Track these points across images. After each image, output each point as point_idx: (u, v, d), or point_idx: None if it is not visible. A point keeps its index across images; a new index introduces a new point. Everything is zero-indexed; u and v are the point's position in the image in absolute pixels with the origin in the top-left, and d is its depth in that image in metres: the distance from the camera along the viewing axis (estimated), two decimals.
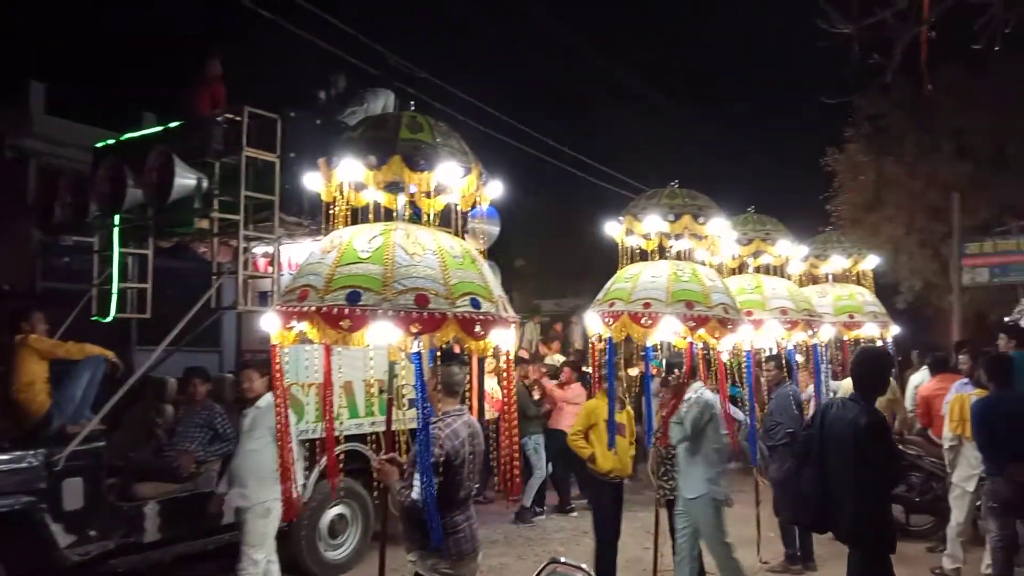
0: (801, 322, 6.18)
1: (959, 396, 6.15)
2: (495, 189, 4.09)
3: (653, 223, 5.23)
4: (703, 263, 5.62)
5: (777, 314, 6.09)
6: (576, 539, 7.83)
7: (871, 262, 8.22)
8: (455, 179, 3.72)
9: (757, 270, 6.69)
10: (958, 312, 15.67)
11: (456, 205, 3.97)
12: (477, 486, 3.96)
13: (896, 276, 16.97)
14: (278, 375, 3.86)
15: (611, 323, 5.04)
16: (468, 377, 4.14)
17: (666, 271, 5.13)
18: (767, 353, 6.88)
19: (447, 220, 4.05)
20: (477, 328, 3.43)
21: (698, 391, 5.49)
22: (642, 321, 4.87)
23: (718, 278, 5.42)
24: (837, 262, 7.89)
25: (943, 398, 6.72)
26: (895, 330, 8.24)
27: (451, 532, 3.51)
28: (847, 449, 4.12)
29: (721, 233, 5.44)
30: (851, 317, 7.51)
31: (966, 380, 6.57)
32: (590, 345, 6.32)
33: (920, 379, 8.25)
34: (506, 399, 3.96)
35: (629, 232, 5.50)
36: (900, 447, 7.57)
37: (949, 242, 16.10)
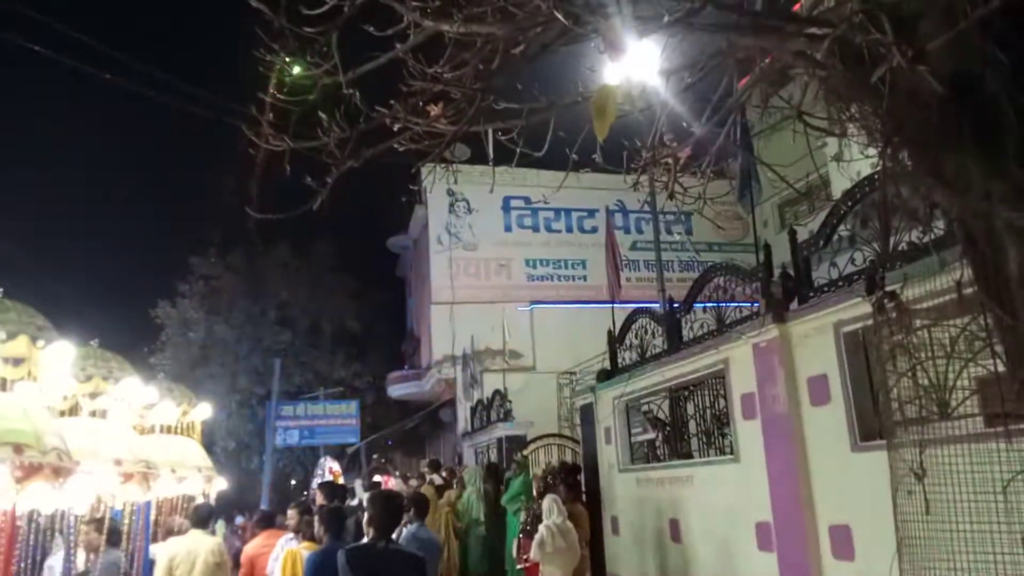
0: (138, 475, 5.42)
1: (290, 552, 6.15)
2: None
3: None
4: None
5: (111, 464, 5.21)
6: None
7: (203, 412, 8.04)
8: None
9: (92, 413, 5.72)
10: (269, 471, 16.44)
11: None
12: None
13: (213, 436, 17.02)
14: None
15: None
16: None
17: None
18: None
19: None
20: None
21: None
22: None
23: (48, 416, 4.39)
24: (168, 411, 7.44)
25: (268, 555, 6.65)
26: (220, 484, 8.11)
27: None
28: None
29: (60, 363, 4.47)
30: (173, 471, 7.03)
31: (292, 536, 6.66)
32: None
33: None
34: None
35: None
36: None
37: (267, 404, 17.06)
